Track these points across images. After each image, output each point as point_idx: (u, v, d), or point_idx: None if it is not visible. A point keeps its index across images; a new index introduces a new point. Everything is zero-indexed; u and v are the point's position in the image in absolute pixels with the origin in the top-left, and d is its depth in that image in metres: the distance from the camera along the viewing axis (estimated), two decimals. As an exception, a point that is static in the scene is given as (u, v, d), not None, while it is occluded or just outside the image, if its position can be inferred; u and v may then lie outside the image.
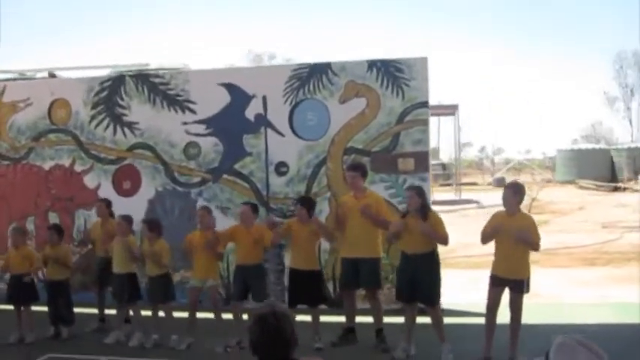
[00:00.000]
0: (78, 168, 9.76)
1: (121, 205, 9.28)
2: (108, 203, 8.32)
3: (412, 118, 8.75)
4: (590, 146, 35.67)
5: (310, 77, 8.99)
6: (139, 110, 9.50)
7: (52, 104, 9.85)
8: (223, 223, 8.44)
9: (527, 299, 6.52)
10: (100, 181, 9.67)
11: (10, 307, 7.95)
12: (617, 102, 50.75)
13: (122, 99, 9.57)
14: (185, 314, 7.58)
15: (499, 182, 35.43)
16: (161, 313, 7.63)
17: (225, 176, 9.24)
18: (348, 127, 8.88)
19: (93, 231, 8.42)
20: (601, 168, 30.11)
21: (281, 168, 9.08)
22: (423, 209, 6.67)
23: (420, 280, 6.61)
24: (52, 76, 10.73)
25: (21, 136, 10.00)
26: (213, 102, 9.24)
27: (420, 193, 6.78)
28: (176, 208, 9.38)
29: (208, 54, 67.82)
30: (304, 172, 9.02)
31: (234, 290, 7.52)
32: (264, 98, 9.09)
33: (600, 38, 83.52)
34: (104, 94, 9.64)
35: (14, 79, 10.61)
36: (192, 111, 9.32)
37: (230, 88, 9.20)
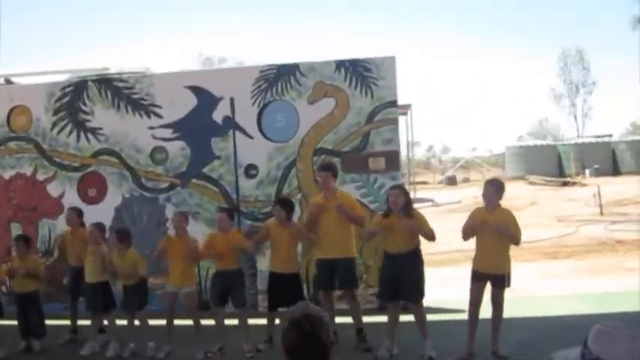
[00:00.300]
0: (40, 176, 9.51)
1: (87, 213, 9.01)
2: (79, 212, 8.11)
3: (382, 117, 8.81)
4: (537, 142, 36.56)
5: (278, 78, 8.97)
6: (102, 115, 9.31)
7: (10, 111, 9.56)
8: (194, 228, 8.31)
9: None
10: (64, 189, 9.44)
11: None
12: (563, 99, 52.15)
13: (85, 104, 9.37)
14: (160, 322, 7.44)
15: (450, 180, 36.10)
16: (136, 322, 7.48)
17: (194, 180, 9.13)
18: (318, 127, 8.89)
19: (62, 240, 8.18)
20: (548, 164, 30.88)
21: (250, 170, 9.03)
22: (407, 207, 6.71)
23: (404, 278, 6.65)
24: (8, 82, 10.44)
25: (-21, 144, 9.67)
26: (179, 105, 9.12)
27: (404, 191, 6.84)
28: (144, 215, 9.22)
29: (159, 57, 66.78)
30: (274, 174, 8.99)
31: (213, 296, 7.42)
32: (232, 100, 9.02)
33: (546, 36, 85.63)
34: (66, 99, 9.42)
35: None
36: (158, 115, 9.18)
37: (196, 90, 9.10)
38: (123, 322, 7.52)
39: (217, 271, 7.36)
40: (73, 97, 9.40)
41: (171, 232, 7.84)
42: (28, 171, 9.54)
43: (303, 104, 8.91)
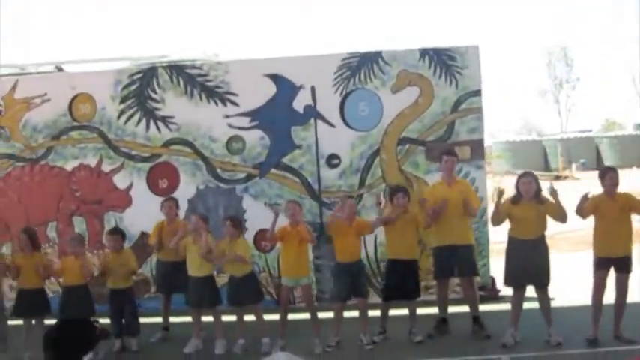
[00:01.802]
0: (106, 167, 9.07)
1: (158, 205, 8.74)
2: (177, 203, 7.77)
3: (466, 106, 8.72)
4: (524, 138, 37.15)
5: (361, 66, 8.78)
6: (174, 103, 8.94)
7: (73, 99, 9.10)
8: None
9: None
10: (132, 181, 9.04)
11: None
12: (547, 94, 52.82)
13: (155, 92, 8.98)
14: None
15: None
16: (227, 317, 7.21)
17: (273, 171, 8.86)
18: (402, 116, 8.74)
19: (160, 232, 7.77)
20: (535, 159, 31.41)
21: (333, 160, 8.81)
22: (537, 194, 6.66)
23: (533, 264, 6.61)
24: (59, 69, 9.94)
25: (37, 134, 9.19)
26: (257, 93, 8.83)
27: (535, 179, 6.78)
28: (220, 207, 8.90)
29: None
30: (357, 164, 8.79)
31: (337, 289, 7.17)
32: (313, 88, 8.79)
33: (532, 33, 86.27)
34: (134, 86, 9.02)
35: (23, 74, 9.71)
36: (235, 103, 8.87)
37: (275, 78, 8.83)
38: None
39: (339, 263, 7.12)
40: (142, 85, 9.00)
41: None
42: (92, 162, 9.10)
43: (386, 93, 8.75)
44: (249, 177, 8.88)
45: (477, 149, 8.73)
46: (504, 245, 9.02)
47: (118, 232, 7.47)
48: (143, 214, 8.67)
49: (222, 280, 7.75)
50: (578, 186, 24.66)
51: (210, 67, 8.97)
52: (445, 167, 7.27)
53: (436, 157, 8.65)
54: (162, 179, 9.00)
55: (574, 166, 29.60)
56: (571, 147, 31.25)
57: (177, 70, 8.98)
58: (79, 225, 9.09)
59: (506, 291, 8.31)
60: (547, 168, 31.10)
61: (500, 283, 8.03)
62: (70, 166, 9.13)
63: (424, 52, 8.75)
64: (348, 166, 8.79)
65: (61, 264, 7.42)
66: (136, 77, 9.03)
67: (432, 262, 7.58)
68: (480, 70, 8.77)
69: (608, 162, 30.60)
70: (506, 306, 7.68)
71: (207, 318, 7.33)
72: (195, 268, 7.17)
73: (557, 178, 27.02)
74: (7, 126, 9.22)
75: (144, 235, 8.70)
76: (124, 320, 7.34)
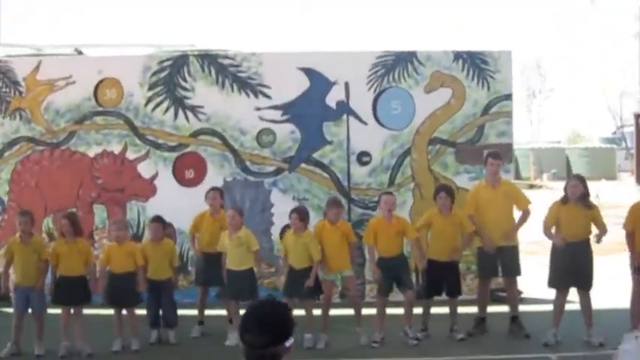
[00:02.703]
0: (130, 155, 8.88)
1: (184, 196, 8.65)
2: (222, 193, 7.63)
3: (497, 110, 8.84)
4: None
5: (395, 65, 8.82)
6: (204, 93, 8.81)
7: (99, 84, 8.87)
8: None
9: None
10: (157, 170, 8.87)
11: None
12: (520, 104, 53.50)
13: (185, 80, 8.83)
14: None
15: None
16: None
17: (303, 165, 8.81)
18: (434, 117, 8.80)
19: (199, 223, 7.61)
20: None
21: (363, 157, 8.82)
22: (584, 197, 6.78)
23: (578, 266, 6.73)
24: (79, 53, 9.71)
25: (60, 118, 8.92)
26: (290, 87, 8.78)
27: (583, 181, 6.90)
28: (247, 199, 8.81)
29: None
30: (388, 162, 8.82)
31: (382, 284, 7.15)
32: (347, 85, 8.78)
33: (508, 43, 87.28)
34: (164, 74, 8.85)
35: (43, 55, 9.43)
36: (267, 95, 8.79)
37: (309, 72, 8.79)
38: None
39: (381, 258, 7.12)
40: (172, 72, 8.84)
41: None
42: (116, 149, 8.89)
43: (419, 92, 8.81)
44: (279, 171, 8.82)
45: (506, 153, 8.83)
46: (534, 246, 9.19)
47: (160, 221, 7.29)
48: (167, 204, 8.52)
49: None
50: (553, 194, 25.37)
51: (243, 58, 8.87)
52: (490, 170, 7.33)
53: (465, 158, 8.80)
54: (188, 169, 8.86)
55: (545, 175, 30.24)
56: (542, 157, 31.93)
57: (208, 59, 8.86)
58: (100, 213, 8.88)
59: (528, 293, 8.52)
60: (518, 176, 31.68)
61: (526, 284, 8.15)
62: (92, 152, 8.90)
63: (458, 55, 8.85)
64: (378, 164, 8.81)
65: (106, 251, 7.20)
66: (165, 64, 8.86)
67: (476, 262, 7.65)
68: (511, 75, 8.92)
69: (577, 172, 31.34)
70: (528, 307, 7.87)
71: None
72: (235, 262, 7.05)
73: (531, 186, 27.50)
74: (28, 108, 8.94)
75: (167, 225, 8.51)
76: (161, 311, 7.18)
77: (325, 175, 8.81)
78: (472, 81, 8.81)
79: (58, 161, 8.92)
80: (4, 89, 8.97)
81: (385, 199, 7.10)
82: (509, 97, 8.87)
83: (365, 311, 7.14)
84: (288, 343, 2.46)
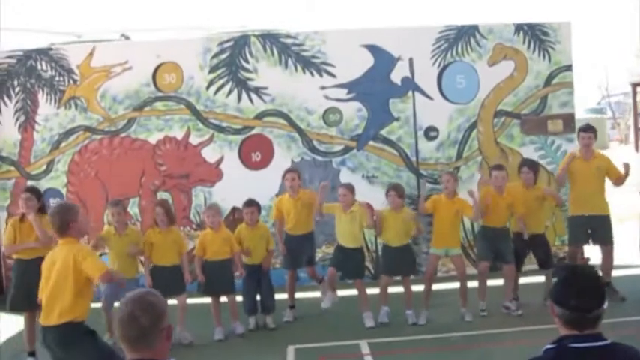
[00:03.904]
0: (194, 140, 8.66)
1: (251, 180, 8.51)
2: (299, 174, 7.45)
3: (558, 80, 8.91)
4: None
5: (458, 39, 8.80)
6: (267, 74, 8.65)
7: (157, 68, 8.62)
8: (371, 194, 8.04)
9: None
10: (222, 154, 8.68)
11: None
12: None
13: (247, 61, 8.66)
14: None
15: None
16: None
17: (371, 143, 8.74)
18: (498, 89, 8.84)
19: (280, 207, 7.41)
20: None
21: (430, 132, 8.80)
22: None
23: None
24: (126, 38, 9.43)
25: (118, 105, 8.65)
26: (354, 65, 8.69)
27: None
28: (316, 180, 8.67)
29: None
30: (455, 136, 8.82)
31: (485, 253, 7.15)
32: (411, 60, 8.73)
33: None
34: (224, 55, 8.65)
35: (80, 42, 9.13)
36: (331, 74, 8.68)
37: (373, 49, 8.71)
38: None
39: (485, 227, 7.13)
40: (233, 54, 8.65)
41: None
42: (178, 134, 8.67)
43: (482, 66, 8.82)
44: (347, 149, 8.73)
45: (569, 122, 8.94)
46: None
47: (255, 205, 7.09)
48: (235, 188, 8.35)
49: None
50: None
51: (305, 36, 8.73)
52: (582, 143, 7.34)
53: (529, 129, 8.86)
54: (255, 152, 8.70)
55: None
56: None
57: (270, 39, 8.69)
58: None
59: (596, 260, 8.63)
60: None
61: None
62: (154, 138, 8.66)
63: (519, 27, 8.88)
64: (445, 139, 8.80)
65: (201, 239, 6.99)
66: (226, 46, 8.66)
67: (567, 230, 7.71)
68: (571, 46, 8.98)
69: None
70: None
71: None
72: (348, 239, 6.95)
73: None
74: (84, 96, 8.64)
75: (235, 210, 8.38)
76: (258, 297, 7.03)
77: (393, 151, 8.76)
78: (533, 53, 8.86)
79: (118, 150, 8.65)
80: (57, 78, 8.65)
81: (496, 175, 7.08)
82: (569, 67, 8.95)
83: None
84: (605, 305, 2.49)
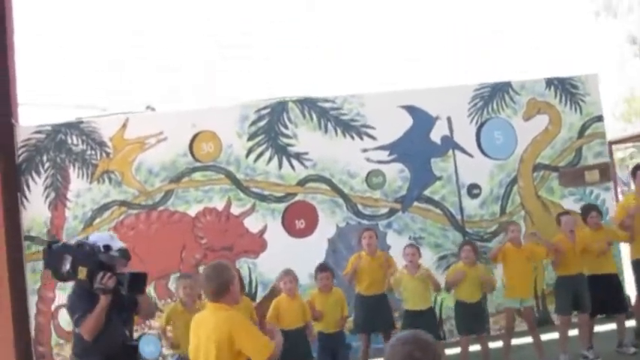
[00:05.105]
0: (235, 210, 8.38)
1: (296, 247, 8.27)
2: (376, 233, 7.34)
3: (591, 131, 9.06)
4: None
5: (493, 96, 8.89)
6: (307, 139, 8.50)
7: (194, 138, 8.38)
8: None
9: None
10: (265, 223, 8.41)
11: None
12: None
13: (286, 127, 8.50)
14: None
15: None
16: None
17: (415, 204, 8.62)
18: (535, 143, 8.92)
19: (353, 263, 7.21)
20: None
21: (473, 190, 8.76)
22: None
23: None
24: (151, 110, 9.18)
25: (154, 178, 8.33)
26: (393, 126, 8.64)
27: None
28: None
29: None
30: (497, 192, 8.80)
31: (565, 304, 7.05)
32: (449, 119, 8.74)
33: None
34: (263, 122, 8.48)
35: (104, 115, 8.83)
36: (372, 136, 8.60)
37: (411, 110, 8.70)
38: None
39: (561, 277, 7.04)
40: (272, 120, 8.49)
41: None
42: (219, 205, 8.37)
43: (518, 121, 8.91)
44: (392, 212, 8.58)
45: (605, 172, 9.05)
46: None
47: (328, 270, 6.86)
48: (279, 257, 8.04)
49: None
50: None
51: (343, 100, 8.65)
52: (638, 183, 7.45)
53: (568, 181, 8.92)
54: (299, 219, 8.46)
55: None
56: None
57: (308, 103, 8.58)
58: (207, 275, 8.25)
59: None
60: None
61: None
62: (193, 210, 8.33)
63: (549, 82, 9.04)
64: (488, 195, 8.77)
65: (274, 306, 6.66)
66: (263, 112, 8.50)
67: (634, 275, 7.66)
68: (600, 97, 9.18)
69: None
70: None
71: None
72: (417, 301, 6.76)
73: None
74: (118, 169, 8.30)
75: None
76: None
77: (438, 211, 8.66)
78: (565, 106, 9.01)
79: (156, 224, 8.29)
80: (88, 152, 8.30)
81: (566, 220, 7.09)
82: (600, 118, 9.12)
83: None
84: None
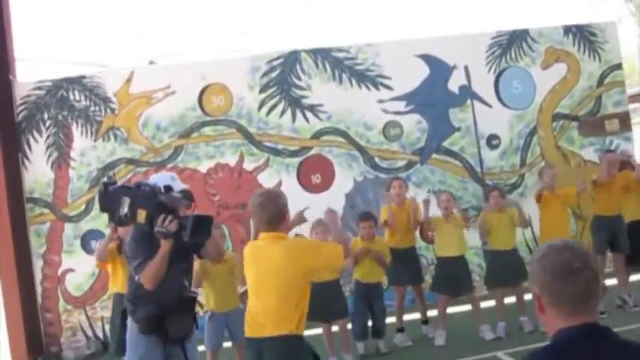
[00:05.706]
0: (248, 165, 8.03)
1: (312, 203, 7.80)
2: (406, 182, 7.04)
3: (610, 80, 8.82)
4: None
5: (511, 44, 8.59)
6: (322, 90, 8.15)
7: (203, 91, 7.99)
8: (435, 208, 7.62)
9: None
10: (280, 178, 8.06)
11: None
12: None
13: (299, 78, 8.14)
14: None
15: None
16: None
17: (434, 156, 8.33)
18: (554, 93, 8.65)
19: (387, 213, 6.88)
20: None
21: (493, 141, 8.48)
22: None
23: None
24: (151, 63, 8.76)
25: (162, 133, 7.94)
26: (410, 75, 8.31)
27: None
28: (381, 199, 8.17)
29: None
30: (516, 142, 8.54)
31: (598, 244, 6.85)
32: (467, 68, 8.44)
33: None
34: (275, 74, 8.11)
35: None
36: (388, 87, 8.27)
37: (428, 59, 8.38)
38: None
39: (598, 216, 6.87)
40: (284, 71, 8.12)
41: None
42: (231, 160, 8.01)
43: (536, 70, 8.64)
44: (410, 164, 8.28)
45: (625, 121, 8.83)
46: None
47: (372, 218, 6.52)
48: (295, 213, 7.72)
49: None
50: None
51: (358, 49, 8.31)
52: None
53: (588, 131, 8.69)
54: (314, 174, 8.12)
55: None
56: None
57: (322, 53, 8.22)
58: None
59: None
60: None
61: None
62: (204, 167, 7.96)
63: (567, 29, 8.77)
64: (508, 146, 8.51)
65: None
66: (275, 63, 8.12)
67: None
68: (619, 45, 8.94)
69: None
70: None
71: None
72: (454, 247, 6.50)
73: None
74: (124, 126, 7.89)
75: (297, 237, 7.74)
76: (370, 321, 6.42)
77: (457, 162, 8.38)
78: (584, 54, 8.75)
79: (166, 182, 7.88)
80: (92, 108, 7.87)
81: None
82: (619, 66, 8.89)
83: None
84: None
